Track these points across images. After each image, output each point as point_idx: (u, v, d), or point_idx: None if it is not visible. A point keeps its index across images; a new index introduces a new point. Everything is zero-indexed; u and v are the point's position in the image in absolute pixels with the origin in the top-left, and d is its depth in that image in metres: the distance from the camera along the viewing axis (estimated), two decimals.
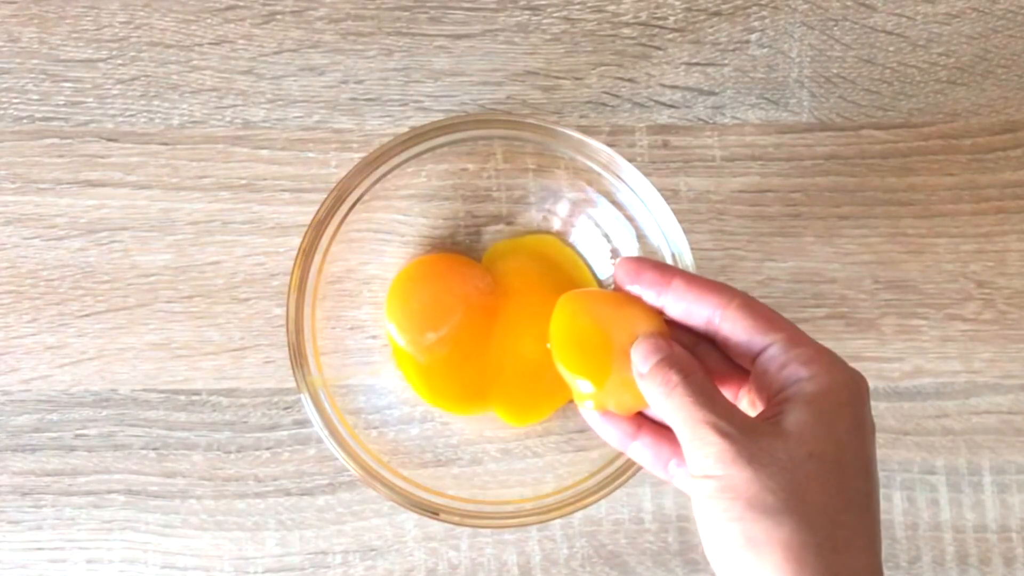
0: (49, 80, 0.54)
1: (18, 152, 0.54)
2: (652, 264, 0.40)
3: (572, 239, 0.53)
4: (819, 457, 0.34)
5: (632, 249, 0.51)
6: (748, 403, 0.39)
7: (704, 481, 0.35)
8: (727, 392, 0.40)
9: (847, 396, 0.36)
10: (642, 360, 0.39)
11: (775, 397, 0.37)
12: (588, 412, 0.42)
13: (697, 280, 0.39)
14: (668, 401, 0.37)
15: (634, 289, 0.40)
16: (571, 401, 0.52)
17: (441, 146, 0.49)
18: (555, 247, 0.53)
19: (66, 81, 0.54)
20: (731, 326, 0.38)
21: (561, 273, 0.53)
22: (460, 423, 0.52)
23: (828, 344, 0.37)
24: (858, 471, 0.35)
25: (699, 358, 0.40)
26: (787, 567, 0.33)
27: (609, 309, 0.41)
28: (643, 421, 0.41)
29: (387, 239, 0.53)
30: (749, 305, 0.38)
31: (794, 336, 0.37)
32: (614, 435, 0.42)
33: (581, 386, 0.41)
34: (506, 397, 0.52)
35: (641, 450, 0.41)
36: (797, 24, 0.55)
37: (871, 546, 0.35)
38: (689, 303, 0.39)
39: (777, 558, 0.34)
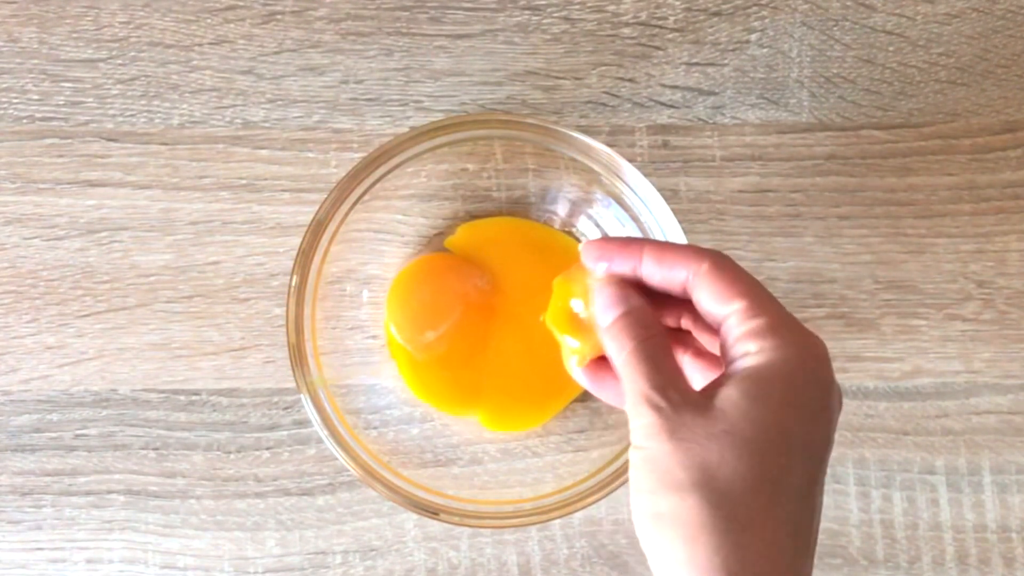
0: (49, 80, 0.54)
1: (18, 152, 0.54)
2: (618, 242, 0.39)
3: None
4: (736, 434, 0.34)
5: None
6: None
7: (633, 452, 0.35)
8: (707, 363, 0.40)
9: (784, 373, 0.35)
10: (602, 312, 0.38)
11: (725, 370, 0.36)
12: (579, 374, 0.42)
13: (667, 248, 0.38)
14: (620, 366, 0.37)
15: (604, 269, 0.39)
16: (564, 407, 0.53)
17: (441, 146, 0.49)
18: (548, 235, 0.53)
19: (66, 81, 0.54)
20: (699, 294, 0.37)
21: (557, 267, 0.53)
22: (460, 423, 0.52)
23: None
24: (780, 450, 0.34)
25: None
26: (682, 544, 0.33)
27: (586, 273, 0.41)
28: None
29: (387, 239, 0.53)
30: (715, 270, 0.37)
31: (752, 305, 0.36)
32: (609, 394, 0.41)
33: (568, 342, 0.41)
34: (493, 401, 0.52)
35: None
36: (797, 24, 0.55)
37: (779, 526, 0.34)
38: (664, 273, 0.38)
39: (675, 534, 0.34)
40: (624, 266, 0.39)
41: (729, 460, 0.34)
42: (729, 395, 0.35)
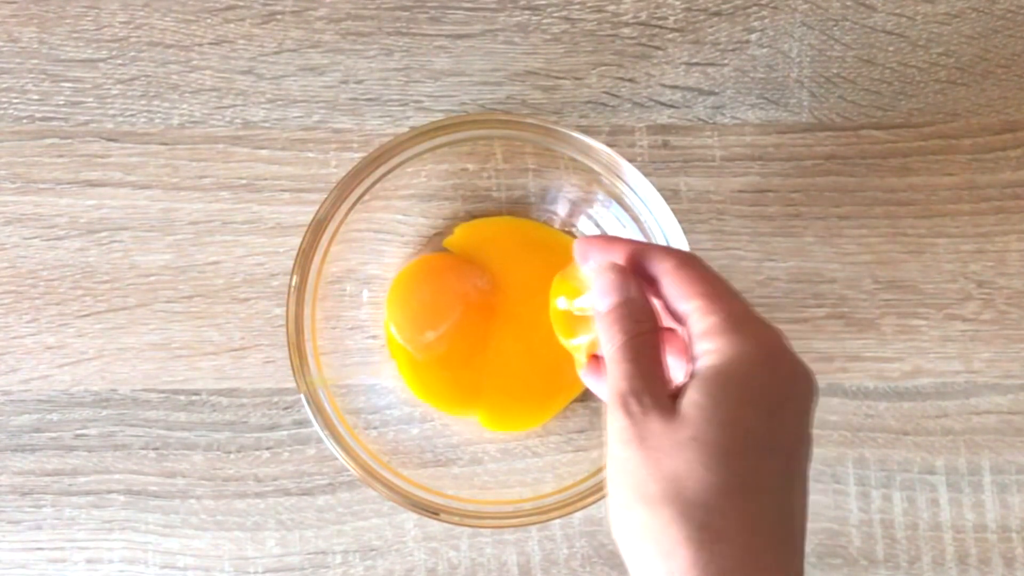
0: (49, 80, 0.54)
1: (18, 152, 0.54)
2: (600, 241, 0.39)
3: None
4: (701, 440, 0.33)
5: None
6: None
7: (609, 462, 0.35)
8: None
9: (741, 371, 0.34)
10: (599, 297, 0.38)
11: (691, 371, 0.36)
12: (585, 375, 0.42)
13: (639, 248, 0.38)
14: (608, 360, 0.37)
15: (590, 267, 0.40)
16: (564, 407, 0.53)
17: (441, 146, 0.49)
18: (548, 235, 0.53)
19: (66, 81, 0.54)
20: (667, 292, 0.37)
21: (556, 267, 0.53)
22: (460, 423, 0.52)
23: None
24: (743, 451, 0.33)
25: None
26: (660, 559, 0.33)
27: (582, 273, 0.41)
28: None
29: (387, 239, 0.53)
30: (679, 269, 0.37)
31: (708, 303, 0.36)
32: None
33: (567, 341, 0.42)
34: (493, 401, 0.52)
35: None
36: (797, 24, 0.55)
37: (754, 529, 0.33)
38: (638, 272, 0.38)
39: (653, 549, 0.33)
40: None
41: (696, 468, 0.33)
42: (691, 398, 0.34)
